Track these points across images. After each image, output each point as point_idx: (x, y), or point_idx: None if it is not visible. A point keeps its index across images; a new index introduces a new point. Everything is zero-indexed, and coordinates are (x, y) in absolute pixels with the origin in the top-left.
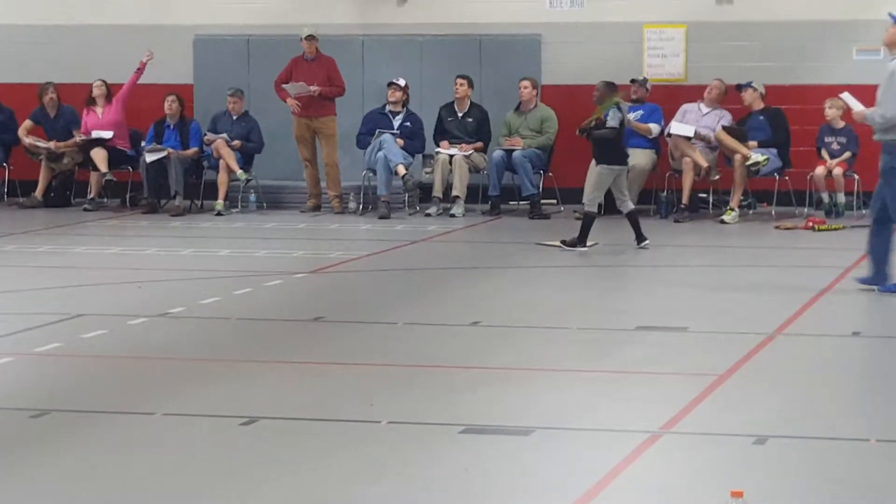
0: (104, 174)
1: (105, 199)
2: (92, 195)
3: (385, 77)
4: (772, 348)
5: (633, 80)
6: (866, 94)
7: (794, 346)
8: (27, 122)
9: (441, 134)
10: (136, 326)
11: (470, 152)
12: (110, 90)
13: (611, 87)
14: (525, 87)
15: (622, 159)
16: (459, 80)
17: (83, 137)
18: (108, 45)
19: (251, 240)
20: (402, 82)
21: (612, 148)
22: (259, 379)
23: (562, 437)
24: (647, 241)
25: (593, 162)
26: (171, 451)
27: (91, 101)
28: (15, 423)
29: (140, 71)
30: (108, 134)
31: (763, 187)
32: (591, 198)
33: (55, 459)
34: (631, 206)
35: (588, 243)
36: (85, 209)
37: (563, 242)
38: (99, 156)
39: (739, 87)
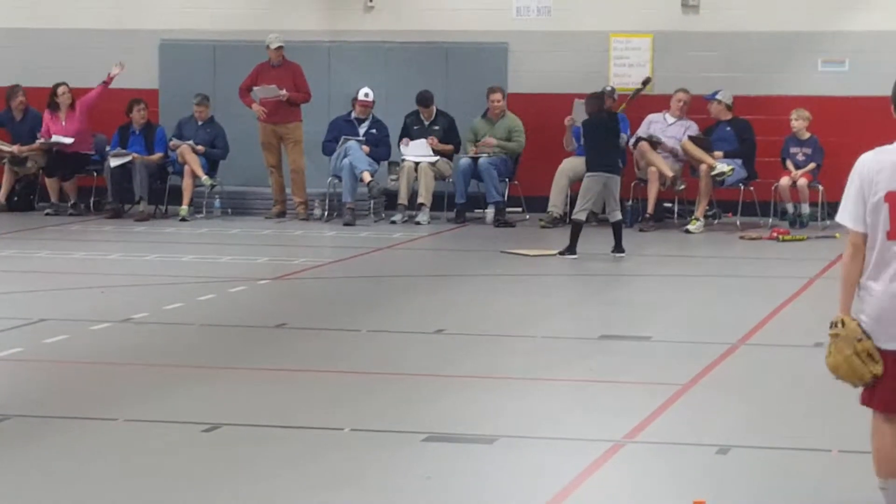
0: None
1: (71, 203)
2: (73, 201)
3: (351, 84)
4: (735, 358)
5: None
6: (831, 105)
7: (758, 356)
8: None
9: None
10: (98, 332)
11: (436, 160)
12: (74, 98)
13: (598, 99)
14: (497, 101)
15: (607, 168)
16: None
17: (43, 140)
18: (74, 48)
19: (215, 245)
20: (369, 98)
21: (599, 156)
22: (222, 385)
23: (525, 446)
24: (623, 255)
25: (559, 169)
26: (132, 457)
27: (54, 106)
28: None
29: (107, 84)
30: (68, 140)
31: (728, 197)
32: (577, 207)
33: (15, 465)
34: (619, 216)
35: (551, 252)
36: (70, 214)
37: (560, 252)
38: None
39: (707, 99)
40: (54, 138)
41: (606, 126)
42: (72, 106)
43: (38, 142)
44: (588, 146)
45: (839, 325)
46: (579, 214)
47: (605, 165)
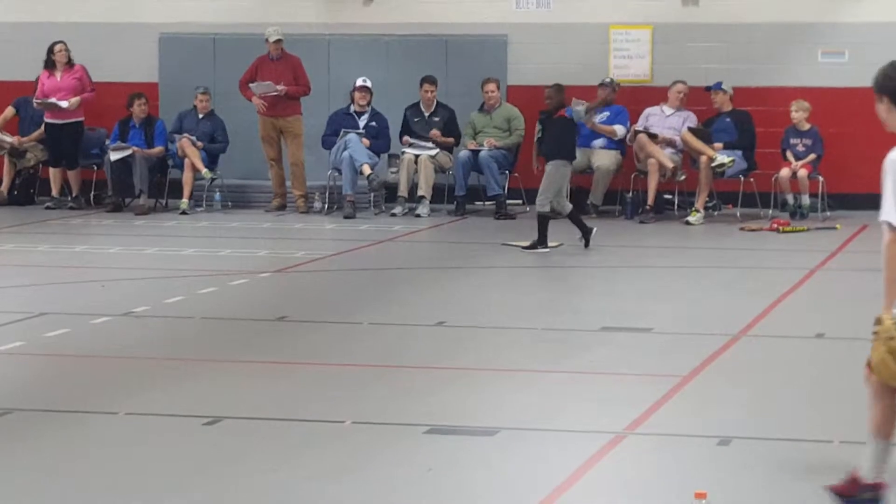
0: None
1: (72, 197)
2: (75, 193)
3: (351, 77)
4: (736, 349)
5: (601, 84)
6: (831, 96)
7: (759, 348)
8: (8, 110)
9: (407, 135)
10: (99, 325)
11: (436, 152)
12: (71, 57)
13: (559, 90)
14: (492, 91)
15: (568, 156)
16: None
17: (38, 101)
18: (73, 42)
19: (216, 239)
20: (367, 83)
21: (559, 145)
22: (223, 378)
23: (526, 438)
24: (594, 230)
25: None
26: (133, 450)
27: (50, 65)
28: None
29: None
30: (63, 103)
31: (728, 189)
32: (542, 199)
33: (17, 459)
34: (570, 207)
35: (552, 244)
36: (70, 207)
37: (526, 246)
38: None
39: (709, 89)
40: (50, 100)
41: (564, 121)
42: (69, 64)
43: (35, 101)
44: (549, 137)
45: (877, 323)
46: (543, 207)
47: (567, 153)
